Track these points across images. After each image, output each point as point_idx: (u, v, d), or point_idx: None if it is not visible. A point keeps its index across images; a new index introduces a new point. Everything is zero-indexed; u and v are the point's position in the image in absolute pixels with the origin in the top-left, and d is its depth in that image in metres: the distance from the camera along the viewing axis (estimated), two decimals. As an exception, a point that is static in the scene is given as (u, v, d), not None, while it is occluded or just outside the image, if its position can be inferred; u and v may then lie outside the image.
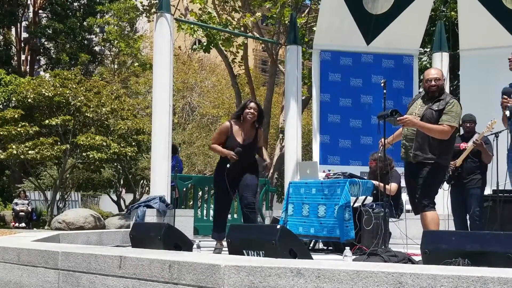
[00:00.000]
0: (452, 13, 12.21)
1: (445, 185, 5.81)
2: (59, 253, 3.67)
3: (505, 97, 4.45)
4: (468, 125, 6.06)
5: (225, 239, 5.62)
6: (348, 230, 5.58)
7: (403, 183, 5.65)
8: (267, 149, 15.51)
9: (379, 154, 5.36)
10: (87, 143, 13.66)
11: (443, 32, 9.09)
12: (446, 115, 4.67)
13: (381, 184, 5.56)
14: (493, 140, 5.71)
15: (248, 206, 5.21)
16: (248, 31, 13.27)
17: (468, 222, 6.00)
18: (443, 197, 6.01)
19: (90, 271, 3.42)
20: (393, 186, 6.12)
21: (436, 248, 3.14)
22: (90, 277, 3.42)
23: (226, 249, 5.58)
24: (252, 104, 5.30)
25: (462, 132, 6.22)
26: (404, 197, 6.00)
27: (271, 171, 15.03)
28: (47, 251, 3.79)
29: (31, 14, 24.88)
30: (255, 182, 5.31)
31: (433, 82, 4.77)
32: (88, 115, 14.33)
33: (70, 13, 24.18)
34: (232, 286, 2.66)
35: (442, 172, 4.91)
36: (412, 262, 4.29)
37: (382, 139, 4.96)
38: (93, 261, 3.41)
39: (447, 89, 8.69)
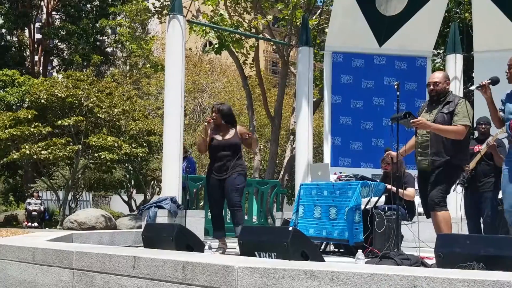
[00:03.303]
0: (466, 14, 12.13)
1: (459, 188, 5.77)
2: (73, 253, 3.70)
3: (487, 80, 4.33)
4: (483, 126, 6.01)
5: (227, 237, 5.79)
6: (358, 232, 5.55)
7: (416, 186, 5.63)
8: (277, 151, 15.51)
9: (390, 157, 5.34)
10: (99, 144, 13.74)
11: (457, 33, 9.03)
12: (457, 115, 4.67)
13: (399, 190, 5.54)
14: (508, 143, 5.65)
15: (233, 206, 5.53)
16: (259, 33, 13.29)
17: (482, 225, 5.95)
18: (456, 200, 5.98)
19: (104, 271, 3.44)
20: (411, 191, 6.09)
21: (450, 252, 3.11)
22: (104, 277, 3.44)
23: (231, 248, 5.65)
24: (213, 109, 5.71)
25: (477, 134, 6.17)
26: (417, 200, 5.96)
27: (282, 172, 15.03)
28: (62, 250, 3.82)
29: (44, 16, 25.09)
30: (239, 182, 5.53)
31: (431, 86, 4.81)
32: (100, 116, 14.43)
33: (83, 15, 24.35)
34: (245, 287, 2.66)
35: (456, 173, 4.88)
36: (425, 265, 4.27)
37: (391, 152, 4.95)
38: (107, 261, 3.43)
39: (460, 92, 8.66)
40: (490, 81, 4.36)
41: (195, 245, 4.52)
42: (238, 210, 5.51)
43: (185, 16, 8.36)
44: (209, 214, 6.13)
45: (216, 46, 12.35)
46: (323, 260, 3.69)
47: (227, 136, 5.62)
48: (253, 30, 13.34)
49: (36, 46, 24.86)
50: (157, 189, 19.31)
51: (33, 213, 15.19)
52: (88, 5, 25.04)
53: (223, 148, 5.57)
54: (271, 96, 21.36)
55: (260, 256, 3.72)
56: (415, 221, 6.01)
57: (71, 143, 14.09)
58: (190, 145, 19.77)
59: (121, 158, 14.37)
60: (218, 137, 5.62)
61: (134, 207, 20.20)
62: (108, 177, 18.78)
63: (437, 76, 4.89)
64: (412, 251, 5.16)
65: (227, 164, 5.53)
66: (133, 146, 14.66)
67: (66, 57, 24.59)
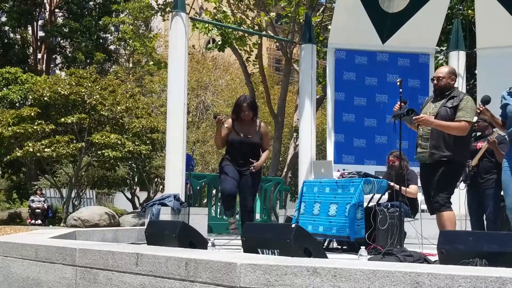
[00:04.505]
0: (469, 11, 12.11)
1: (462, 185, 5.77)
2: (76, 250, 3.71)
3: (481, 104, 4.50)
4: (479, 123, 5.99)
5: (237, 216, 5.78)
6: (359, 229, 5.55)
7: (419, 183, 5.62)
8: (280, 148, 15.50)
9: (397, 152, 5.32)
10: (102, 141, 13.75)
11: (459, 30, 9.01)
12: (461, 111, 4.65)
13: (399, 186, 5.53)
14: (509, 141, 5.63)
15: (247, 207, 5.50)
16: (262, 30, 13.28)
17: (485, 222, 5.94)
18: (459, 197, 5.97)
19: (107, 268, 3.45)
20: (414, 188, 6.07)
21: (453, 248, 3.11)
22: (107, 274, 3.45)
23: (236, 245, 5.64)
24: (244, 105, 5.53)
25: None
26: (420, 196, 5.96)
27: (285, 170, 15.03)
28: (65, 247, 3.84)
29: (47, 13, 25.14)
30: (256, 185, 5.52)
31: (435, 81, 4.80)
32: (103, 113, 14.43)
33: (86, 12, 24.39)
34: (248, 284, 2.67)
35: (459, 170, 4.86)
36: (428, 262, 4.26)
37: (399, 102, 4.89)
38: (110, 258, 3.44)
39: (463, 88, 8.65)
40: (483, 104, 4.50)
41: (198, 242, 4.53)
42: (251, 212, 5.52)
43: (188, 13, 8.35)
44: (215, 202, 6.08)
45: (219, 43, 12.35)
46: (326, 257, 3.70)
47: (250, 134, 5.52)
48: (256, 27, 13.33)
49: (39, 43, 24.91)
50: (161, 186, 19.35)
51: (37, 210, 15.21)
52: (91, 3, 25.08)
53: (244, 146, 5.47)
54: (274, 94, 21.36)
55: (263, 253, 3.72)
56: (418, 218, 6.01)
57: (74, 141, 14.11)
58: (194, 142, 19.80)
59: (124, 156, 14.39)
60: (241, 133, 5.51)
61: (138, 205, 20.25)
62: (112, 175, 18.81)
63: (443, 71, 4.87)
64: (415, 248, 5.16)
65: (247, 162, 5.47)
66: (136, 143, 14.66)
67: (69, 54, 24.63)
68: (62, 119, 14.02)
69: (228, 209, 5.60)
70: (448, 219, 4.60)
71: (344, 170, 7.45)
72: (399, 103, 4.85)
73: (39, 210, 15.23)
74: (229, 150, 5.59)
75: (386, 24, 8.58)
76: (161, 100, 21.28)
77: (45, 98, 14.31)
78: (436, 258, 3.67)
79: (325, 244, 6.29)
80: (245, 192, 5.45)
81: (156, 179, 19.95)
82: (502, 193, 5.96)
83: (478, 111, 4.42)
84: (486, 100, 4.51)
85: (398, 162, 5.99)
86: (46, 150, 13.45)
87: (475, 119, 4.54)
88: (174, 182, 7.49)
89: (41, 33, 25.59)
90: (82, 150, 14.40)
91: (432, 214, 4.82)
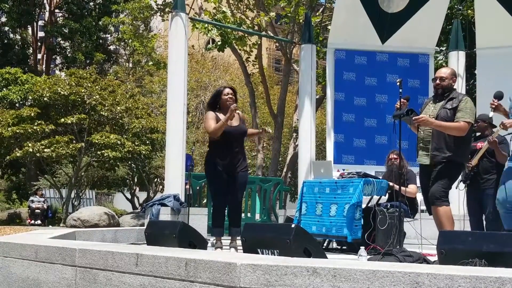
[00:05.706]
0: (469, 11, 12.12)
1: (461, 185, 5.77)
2: (76, 250, 3.72)
3: (494, 99, 4.50)
4: (479, 123, 5.99)
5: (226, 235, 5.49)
6: (357, 229, 5.55)
7: (418, 183, 5.63)
8: (280, 149, 15.50)
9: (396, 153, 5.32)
10: (102, 142, 13.76)
11: (459, 30, 9.01)
12: (460, 111, 4.69)
13: (398, 187, 5.53)
14: (510, 140, 5.63)
15: (238, 204, 5.32)
16: (262, 30, 13.29)
17: (484, 222, 5.94)
18: (458, 197, 5.98)
19: (107, 268, 3.45)
20: (413, 188, 6.08)
21: (453, 248, 3.12)
22: (107, 274, 3.45)
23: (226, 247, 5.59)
24: (228, 90, 5.26)
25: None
26: (419, 197, 5.96)
27: (285, 170, 15.04)
28: (65, 248, 3.84)
29: (47, 14, 25.14)
30: (246, 182, 5.31)
31: (437, 81, 4.83)
32: (103, 113, 14.43)
33: (86, 13, 24.40)
34: (248, 284, 2.67)
35: (457, 169, 4.89)
36: (427, 262, 4.27)
37: (401, 99, 4.86)
38: (110, 258, 3.44)
39: (463, 88, 8.65)
40: (497, 99, 4.52)
41: (198, 242, 4.53)
42: (239, 208, 5.37)
43: (188, 13, 8.35)
44: (210, 208, 5.90)
45: (219, 43, 12.35)
46: (326, 257, 3.70)
47: (236, 123, 5.17)
48: (256, 28, 13.33)
49: (39, 44, 24.92)
50: (160, 186, 19.35)
51: (36, 210, 15.22)
52: (91, 3, 25.11)
53: (235, 136, 5.14)
54: (274, 94, 21.37)
55: (263, 253, 3.73)
56: (417, 218, 6.01)
57: (74, 141, 14.11)
58: (193, 142, 19.80)
59: (124, 156, 14.38)
60: (230, 124, 5.12)
61: (137, 205, 20.24)
62: (111, 175, 18.81)
63: (444, 71, 4.91)
64: (415, 248, 5.16)
65: (238, 156, 5.17)
66: (136, 143, 14.67)
67: (69, 55, 24.64)
68: (62, 120, 14.02)
69: (219, 224, 5.25)
70: (445, 214, 4.62)
71: (344, 170, 7.46)
72: (400, 100, 4.86)
73: (38, 211, 15.24)
74: (220, 144, 5.15)
75: (385, 24, 8.58)
76: (161, 100, 21.26)
77: (45, 99, 14.31)
78: (435, 258, 3.68)
79: (325, 244, 6.30)
80: (236, 190, 5.20)
81: (155, 179, 19.95)
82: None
83: (493, 106, 4.43)
84: (499, 96, 4.55)
85: (398, 158, 6.00)
86: (45, 150, 13.45)
87: (491, 114, 4.56)
88: (174, 182, 7.49)
89: (41, 34, 25.60)
90: (81, 151, 14.40)
91: (430, 214, 4.83)
